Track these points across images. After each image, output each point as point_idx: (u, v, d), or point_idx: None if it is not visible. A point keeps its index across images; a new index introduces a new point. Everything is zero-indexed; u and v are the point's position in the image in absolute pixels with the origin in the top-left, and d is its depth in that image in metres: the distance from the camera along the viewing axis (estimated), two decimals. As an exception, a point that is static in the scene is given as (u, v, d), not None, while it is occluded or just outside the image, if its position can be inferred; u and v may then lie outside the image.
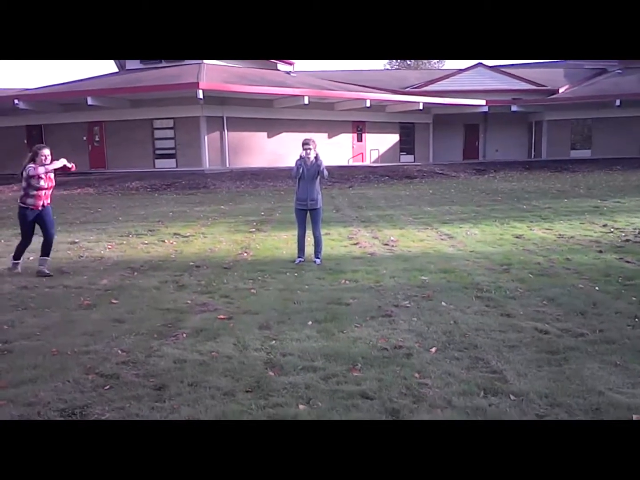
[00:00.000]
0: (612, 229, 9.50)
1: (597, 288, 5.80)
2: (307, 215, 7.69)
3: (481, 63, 33.14)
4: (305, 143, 7.52)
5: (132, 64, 27.05)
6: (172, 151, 24.25)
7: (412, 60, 60.36)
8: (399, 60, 61.36)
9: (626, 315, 4.88)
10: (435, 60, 60.94)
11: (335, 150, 26.68)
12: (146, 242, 9.44)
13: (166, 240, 9.55)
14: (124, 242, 9.50)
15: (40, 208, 7.12)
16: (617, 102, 28.37)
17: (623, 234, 8.98)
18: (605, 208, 12.35)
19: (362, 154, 29.27)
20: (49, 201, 7.26)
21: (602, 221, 10.38)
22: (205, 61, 25.57)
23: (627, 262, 6.96)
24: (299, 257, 7.62)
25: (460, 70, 33.49)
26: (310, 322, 4.94)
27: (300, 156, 7.49)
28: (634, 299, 5.36)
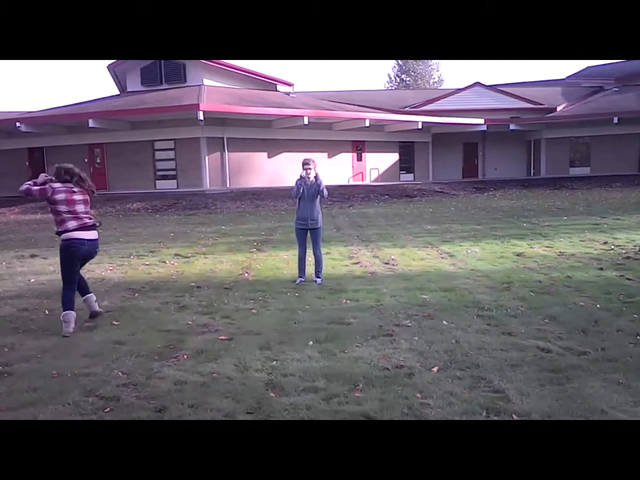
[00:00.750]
0: (612, 246, 9.50)
1: (598, 306, 5.79)
2: (307, 235, 7.70)
3: (479, 82, 33.41)
4: (305, 163, 7.57)
5: (132, 85, 27.31)
6: (173, 172, 24.36)
7: (411, 80, 60.91)
8: (397, 81, 61.91)
9: (628, 333, 4.86)
10: (434, 80, 61.57)
11: (335, 169, 26.80)
12: (147, 263, 9.44)
13: (167, 261, 9.55)
14: (125, 263, 9.51)
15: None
16: (615, 120, 28.54)
17: (623, 251, 8.98)
18: (605, 225, 12.37)
19: (362, 173, 29.38)
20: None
21: (603, 238, 10.39)
22: (205, 83, 25.82)
23: (628, 279, 6.95)
24: (299, 276, 7.62)
25: (458, 90, 33.75)
26: (311, 342, 4.93)
27: (301, 176, 7.53)
28: (635, 316, 5.35)
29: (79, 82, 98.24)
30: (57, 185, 5.71)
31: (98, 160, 25.26)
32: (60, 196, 5.64)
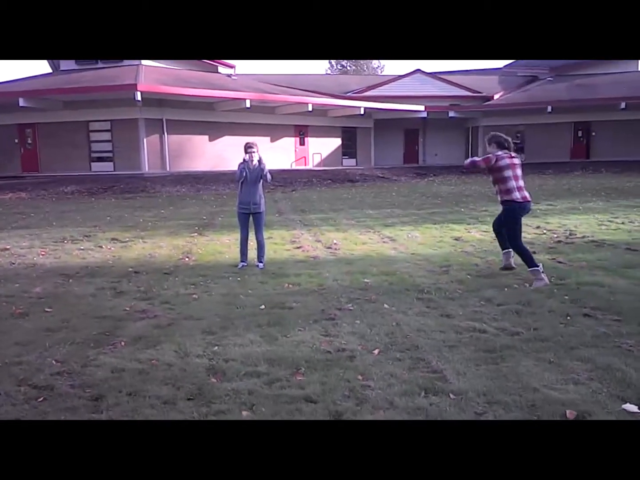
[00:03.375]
0: (544, 231, 9.87)
1: (531, 288, 6.01)
2: (249, 219, 7.63)
3: (419, 70, 33.89)
4: (248, 147, 7.48)
5: (66, 64, 26.20)
6: (110, 154, 23.61)
7: (352, 65, 61.11)
8: (339, 65, 61.99)
9: (559, 314, 5.07)
10: (376, 66, 61.98)
11: (278, 154, 26.65)
12: (82, 247, 9.14)
13: (103, 246, 9.27)
14: (59, 248, 9.17)
15: None
16: (549, 109, 29.59)
17: (555, 236, 9.34)
18: (538, 210, 12.82)
19: (304, 157, 29.36)
20: None
21: (536, 223, 10.77)
22: (143, 62, 25.05)
23: (559, 262, 7.24)
24: (241, 261, 7.55)
25: (400, 76, 34.14)
26: (253, 327, 4.90)
27: (244, 160, 7.44)
28: (566, 297, 5.58)
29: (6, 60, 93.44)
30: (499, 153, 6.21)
31: (29, 141, 24.17)
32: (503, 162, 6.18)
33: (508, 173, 6.16)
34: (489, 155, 6.20)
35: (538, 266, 6.13)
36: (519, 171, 6.27)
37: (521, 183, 6.26)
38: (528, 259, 6.17)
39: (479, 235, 9.70)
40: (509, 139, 6.36)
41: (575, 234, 9.40)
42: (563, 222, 10.91)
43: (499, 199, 6.36)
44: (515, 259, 6.66)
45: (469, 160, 6.40)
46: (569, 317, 4.96)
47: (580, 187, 18.82)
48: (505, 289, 5.96)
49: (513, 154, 6.28)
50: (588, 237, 9.12)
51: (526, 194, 6.28)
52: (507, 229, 6.37)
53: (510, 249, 6.55)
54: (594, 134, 31.09)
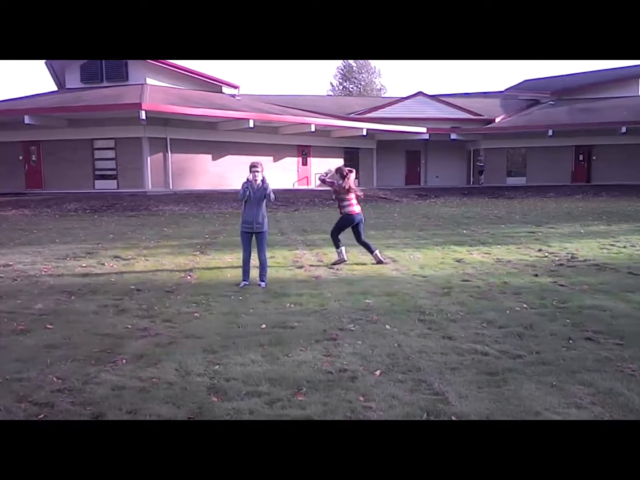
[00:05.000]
0: (546, 254, 9.88)
1: (533, 311, 6.00)
2: (252, 238, 7.66)
3: (422, 92, 34.18)
4: (253, 166, 7.53)
5: (71, 82, 26.43)
6: (113, 172, 23.73)
7: (354, 87, 61.58)
8: (340, 88, 62.47)
9: (561, 337, 5.06)
10: (379, 87, 62.50)
11: (281, 173, 26.78)
12: (84, 264, 9.15)
13: (106, 263, 9.28)
14: (61, 264, 9.18)
15: None
16: (550, 132, 29.78)
17: (557, 259, 9.35)
18: (540, 233, 12.85)
19: (307, 177, 29.49)
20: None
21: (538, 246, 10.79)
22: (148, 82, 25.32)
23: (561, 285, 7.24)
24: (243, 280, 7.56)
25: (402, 99, 34.41)
26: (254, 346, 4.89)
27: (248, 179, 7.48)
28: (568, 321, 5.57)
29: (12, 77, 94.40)
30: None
31: (34, 158, 24.32)
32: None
33: (349, 195, 8.96)
34: (333, 181, 9.17)
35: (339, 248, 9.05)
36: (352, 194, 9.02)
37: (354, 202, 9.00)
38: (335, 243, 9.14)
39: (480, 257, 9.71)
40: (345, 171, 8.97)
41: (577, 257, 9.41)
42: (564, 245, 10.92)
43: (340, 209, 9.10)
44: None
45: (321, 178, 9.52)
46: (571, 341, 4.95)
47: (582, 210, 18.87)
48: (507, 312, 5.95)
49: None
50: (590, 260, 9.13)
51: (356, 208, 9.02)
52: (338, 227, 9.10)
53: (343, 247, 9.12)
54: (594, 157, 31.24)
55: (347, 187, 8.88)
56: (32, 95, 26.97)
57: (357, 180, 31.97)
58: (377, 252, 9.10)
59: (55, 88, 28.77)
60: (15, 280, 7.99)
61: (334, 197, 9.27)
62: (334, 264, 8.95)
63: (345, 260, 9.02)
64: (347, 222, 9.04)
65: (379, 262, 8.96)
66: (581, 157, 31.58)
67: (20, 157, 24.32)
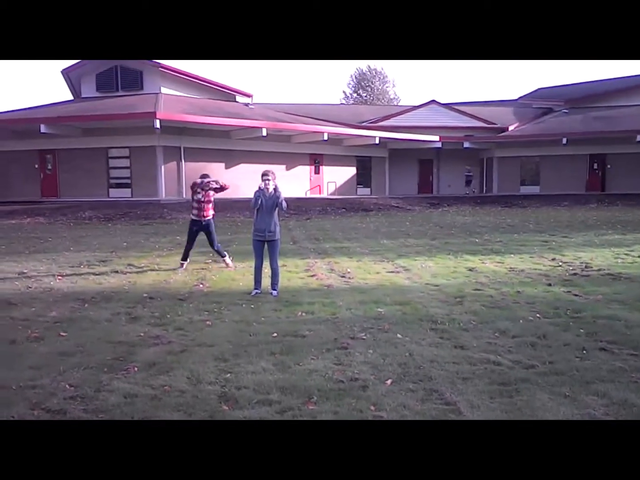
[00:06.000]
0: (560, 263, 9.81)
1: (546, 320, 5.96)
2: (264, 247, 7.68)
3: (434, 100, 34.17)
4: (264, 174, 7.56)
5: (87, 91, 26.76)
6: (128, 181, 23.95)
7: (367, 96, 61.62)
8: (353, 97, 62.54)
9: (574, 347, 5.02)
10: (392, 97, 62.52)
11: (293, 182, 26.86)
12: (98, 273, 9.22)
13: (119, 271, 9.35)
14: (75, 272, 9.26)
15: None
16: (564, 141, 29.60)
17: (571, 268, 9.28)
18: (553, 243, 12.76)
19: (319, 186, 29.55)
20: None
21: (551, 255, 10.71)
22: (162, 91, 25.56)
23: (575, 295, 7.18)
24: (255, 288, 7.58)
25: (415, 107, 34.43)
26: (266, 355, 4.90)
27: (260, 187, 7.52)
28: (581, 331, 5.52)
29: (28, 85, 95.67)
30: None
31: (49, 167, 24.61)
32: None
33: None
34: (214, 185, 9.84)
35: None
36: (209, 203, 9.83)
37: (208, 207, 9.80)
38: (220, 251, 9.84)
39: (493, 266, 9.65)
40: (204, 183, 9.72)
41: (591, 267, 9.32)
42: (579, 254, 10.83)
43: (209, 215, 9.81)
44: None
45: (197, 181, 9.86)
46: (584, 351, 4.90)
47: (596, 219, 18.71)
48: (520, 321, 5.91)
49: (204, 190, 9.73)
50: (604, 270, 9.05)
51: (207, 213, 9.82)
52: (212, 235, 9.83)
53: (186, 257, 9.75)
54: (609, 166, 31.00)
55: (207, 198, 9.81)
56: (48, 104, 27.33)
57: (369, 189, 31.84)
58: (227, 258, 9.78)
59: (71, 97, 29.13)
60: (30, 287, 8.07)
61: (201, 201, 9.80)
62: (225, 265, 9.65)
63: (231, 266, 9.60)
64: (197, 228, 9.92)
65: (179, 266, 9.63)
66: (596, 166, 31.35)
67: (36, 166, 24.62)
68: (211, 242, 9.82)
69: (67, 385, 4.21)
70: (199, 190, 9.72)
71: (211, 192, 9.81)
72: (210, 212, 9.86)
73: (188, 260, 9.73)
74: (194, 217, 9.77)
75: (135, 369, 4.58)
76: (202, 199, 9.73)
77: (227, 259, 9.77)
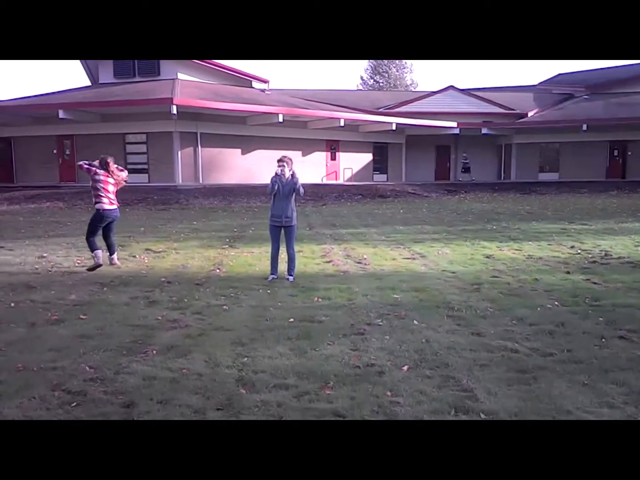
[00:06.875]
0: (579, 251, 9.70)
1: (565, 308, 5.90)
2: (281, 232, 7.69)
3: (452, 86, 33.77)
4: (280, 160, 7.55)
5: (105, 77, 26.86)
6: (145, 166, 24.06)
7: (384, 82, 61.13)
8: (370, 82, 62.06)
9: (593, 336, 4.97)
10: (408, 82, 61.95)
11: (309, 168, 26.79)
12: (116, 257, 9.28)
13: (137, 256, 9.43)
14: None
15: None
16: (584, 127, 29.16)
17: (590, 256, 9.17)
18: (572, 230, 12.62)
19: (335, 172, 29.45)
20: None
21: (570, 243, 10.60)
22: (179, 77, 25.57)
23: (594, 283, 7.10)
24: (272, 274, 7.60)
25: (433, 93, 34.08)
26: (282, 340, 4.92)
27: (276, 173, 7.51)
28: (600, 319, 5.47)
29: (46, 72, 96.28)
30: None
31: (67, 152, 24.79)
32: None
33: (100, 185, 8.37)
34: (92, 168, 8.40)
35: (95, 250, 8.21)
36: (110, 187, 8.53)
37: (111, 195, 8.50)
38: (91, 246, 8.28)
39: (511, 253, 9.58)
40: (105, 162, 8.45)
41: (611, 255, 9.21)
42: (598, 242, 10.71)
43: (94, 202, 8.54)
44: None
45: (80, 163, 8.60)
46: (603, 339, 4.86)
47: (616, 207, 18.46)
48: (538, 309, 5.87)
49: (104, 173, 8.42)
50: (624, 258, 8.94)
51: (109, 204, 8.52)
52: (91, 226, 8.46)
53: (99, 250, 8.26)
54: (630, 153, 30.54)
55: (105, 179, 8.39)
56: (66, 90, 27.48)
57: (385, 175, 31.76)
58: (115, 256, 8.60)
59: (89, 83, 29.25)
60: (50, 271, 8.18)
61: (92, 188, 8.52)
62: (90, 269, 8.06)
63: (101, 265, 8.13)
64: (100, 219, 8.48)
65: (96, 266, 8.09)
66: (616, 153, 30.89)
67: (55, 151, 24.82)
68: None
69: (87, 367, 4.27)
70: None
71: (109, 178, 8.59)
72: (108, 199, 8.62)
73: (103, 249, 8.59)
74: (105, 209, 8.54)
75: (154, 351, 4.63)
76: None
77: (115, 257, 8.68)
